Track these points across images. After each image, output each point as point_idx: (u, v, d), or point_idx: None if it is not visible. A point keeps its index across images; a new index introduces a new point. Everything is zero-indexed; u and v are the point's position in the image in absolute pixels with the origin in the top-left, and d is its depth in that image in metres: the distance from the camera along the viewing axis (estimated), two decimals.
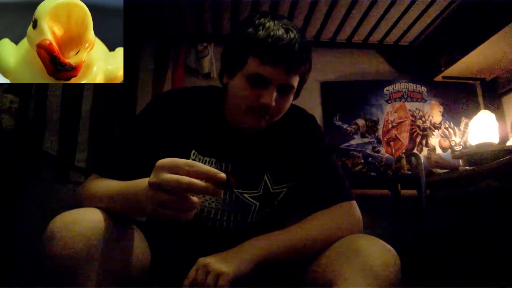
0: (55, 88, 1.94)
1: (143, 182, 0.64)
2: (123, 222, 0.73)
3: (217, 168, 0.86)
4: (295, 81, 0.84)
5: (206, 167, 0.60)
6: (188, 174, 0.59)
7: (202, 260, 0.73)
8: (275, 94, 0.80)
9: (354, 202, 0.89)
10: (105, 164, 0.87)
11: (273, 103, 0.80)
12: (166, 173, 0.59)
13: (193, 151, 0.88)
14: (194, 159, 0.87)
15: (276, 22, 0.80)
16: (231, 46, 0.86)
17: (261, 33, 0.79)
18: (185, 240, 0.86)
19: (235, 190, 0.88)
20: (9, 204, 1.32)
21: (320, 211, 0.86)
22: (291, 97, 0.87)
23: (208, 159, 0.88)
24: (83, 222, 0.64)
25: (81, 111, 2.02)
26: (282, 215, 0.95)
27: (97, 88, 2.10)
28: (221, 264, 0.72)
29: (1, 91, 1.54)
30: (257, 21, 0.81)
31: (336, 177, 0.92)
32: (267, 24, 0.80)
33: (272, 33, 0.78)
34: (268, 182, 0.90)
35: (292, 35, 0.79)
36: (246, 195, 0.89)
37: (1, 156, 1.39)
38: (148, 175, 0.65)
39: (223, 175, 0.60)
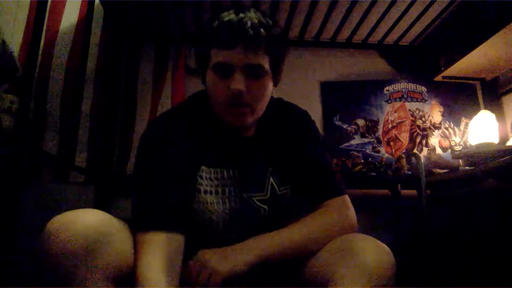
0: (55, 88, 1.94)
1: None
2: (121, 223, 0.73)
3: (224, 176, 0.87)
4: (263, 61, 0.81)
5: None
6: None
7: (201, 254, 0.74)
8: (242, 78, 0.79)
9: (346, 197, 0.89)
10: (155, 217, 0.77)
11: (243, 88, 0.79)
12: None
13: (202, 167, 0.86)
14: (202, 175, 0.85)
15: (231, 10, 0.81)
16: (195, 47, 0.88)
17: (215, 23, 0.81)
18: (195, 248, 0.83)
19: (244, 195, 0.87)
20: (9, 204, 1.32)
21: (314, 212, 0.86)
22: (267, 82, 0.84)
23: (215, 170, 0.87)
24: (81, 223, 0.64)
25: (81, 111, 2.02)
26: (285, 217, 0.94)
27: (97, 88, 2.10)
28: (217, 262, 0.72)
29: (1, 91, 1.54)
30: (215, 15, 0.82)
31: (327, 173, 0.92)
32: (221, 15, 0.81)
33: (224, 20, 0.79)
34: (274, 184, 0.90)
35: (243, 15, 0.79)
36: (254, 199, 0.88)
37: (1, 156, 1.39)
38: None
39: None
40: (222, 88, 0.81)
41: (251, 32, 0.78)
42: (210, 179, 0.86)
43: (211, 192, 0.85)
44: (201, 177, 0.85)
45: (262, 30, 0.79)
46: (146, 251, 0.71)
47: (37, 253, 0.64)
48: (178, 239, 0.75)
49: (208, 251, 0.75)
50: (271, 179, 0.90)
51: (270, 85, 0.86)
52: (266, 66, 0.82)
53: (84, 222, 0.65)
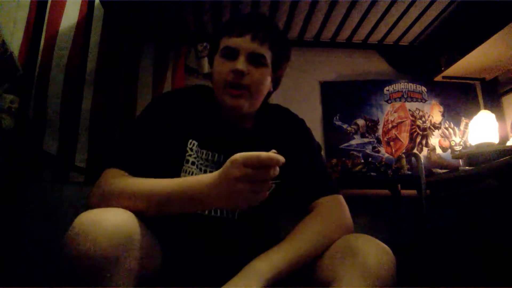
0: (55, 88, 1.94)
1: (207, 178, 0.70)
2: (141, 221, 0.72)
3: (209, 158, 0.93)
4: (266, 53, 0.90)
5: (265, 155, 0.65)
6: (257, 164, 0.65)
7: None
8: (245, 62, 0.88)
9: (340, 197, 0.90)
10: (125, 158, 0.86)
11: (244, 68, 0.87)
12: (243, 166, 0.65)
13: (193, 142, 0.92)
14: (191, 148, 0.92)
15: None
16: (210, 37, 0.99)
17: (230, 19, 0.96)
18: (183, 228, 0.88)
19: None
20: (9, 205, 1.32)
21: (310, 215, 0.86)
22: (266, 74, 0.92)
23: (206, 151, 0.93)
24: (109, 222, 0.64)
25: (81, 111, 2.02)
26: (270, 211, 0.96)
27: (97, 88, 2.10)
28: None
29: (1, 91, 1.54)
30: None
31: (321, 172, 0.95)
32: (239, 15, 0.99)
33: (238, 16, 0.98)
34: None
35: (255, 14, 1.00)
36: None
37: (1, 156, 1.39)
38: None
39: (281, 159, 0.66)
40: (225, 68, 0.89)
41: (261, 26, 0.90)
42: (201, 158, 0.92)
43: (197, 167, 0.91)
44: (191, 149, 0.91)
45: (270, 30, 0.92)
46: (121, 178, 0.79)
47: (61, 252, 0.62)
48: None
49: None
50: None
51: (269, 79, 0.94)
52: (268, 59, 0.91)
53: (112, 222, 0.64)
